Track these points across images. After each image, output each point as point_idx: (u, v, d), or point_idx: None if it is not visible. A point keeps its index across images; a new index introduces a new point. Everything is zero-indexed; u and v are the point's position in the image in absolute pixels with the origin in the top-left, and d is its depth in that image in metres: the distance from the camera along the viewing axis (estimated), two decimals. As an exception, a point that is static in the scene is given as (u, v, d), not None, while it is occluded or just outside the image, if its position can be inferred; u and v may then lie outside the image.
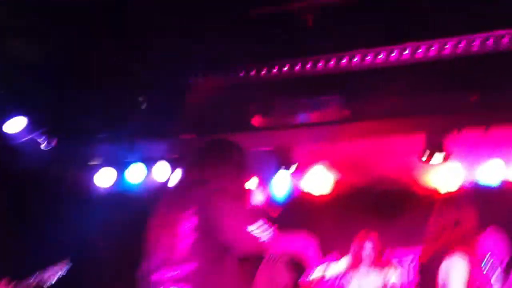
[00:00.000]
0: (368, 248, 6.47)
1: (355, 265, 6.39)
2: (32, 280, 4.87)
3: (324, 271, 6.41)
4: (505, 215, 5.87)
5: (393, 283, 6.43)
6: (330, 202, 6.99)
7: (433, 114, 5.29)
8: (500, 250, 5.07)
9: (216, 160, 2.94)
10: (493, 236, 5.09)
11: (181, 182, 3.03)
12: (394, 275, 6.51)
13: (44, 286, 4.95)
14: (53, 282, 4.98)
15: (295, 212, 6.94)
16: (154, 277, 2.90)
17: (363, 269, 6.43)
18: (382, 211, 6.78)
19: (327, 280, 6.51)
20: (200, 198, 2.78)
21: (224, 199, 2.77)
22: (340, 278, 6.60)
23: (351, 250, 6.75)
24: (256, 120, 5.84)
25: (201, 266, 2.77)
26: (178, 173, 6.85)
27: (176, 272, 2.83)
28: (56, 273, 5.03)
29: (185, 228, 2.77)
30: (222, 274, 2.81)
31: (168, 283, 2.84)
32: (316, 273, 6.41)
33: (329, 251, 7.47)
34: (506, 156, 6.07)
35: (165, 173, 6.87)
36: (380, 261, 6.49)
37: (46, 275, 4.97)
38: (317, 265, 7.37)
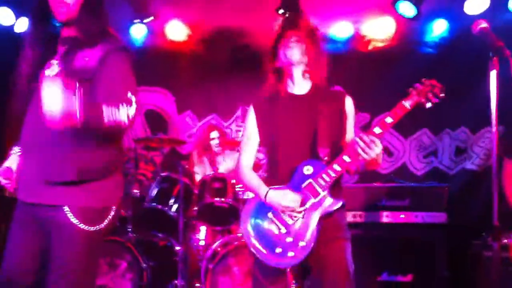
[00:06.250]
0: (215, 136, 6.44)
1: (207, 154, 6.40)
2: None
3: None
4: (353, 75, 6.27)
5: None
6: (187, 55, 6.96)
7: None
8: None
9: None
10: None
11: None
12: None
13: None
14: None
15: (152, 65, 6.85)
16: None
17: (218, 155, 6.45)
18: (238, 65, 6.89)
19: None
20: None
21: None
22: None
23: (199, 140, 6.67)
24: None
25: None
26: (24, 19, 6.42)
27: None
28: None
29: None
30: None
31: None
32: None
33: (186, 106, 7.57)
34: (355, 15, 6.38)
35: (10, 17, 6.42)
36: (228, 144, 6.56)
37: None
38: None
